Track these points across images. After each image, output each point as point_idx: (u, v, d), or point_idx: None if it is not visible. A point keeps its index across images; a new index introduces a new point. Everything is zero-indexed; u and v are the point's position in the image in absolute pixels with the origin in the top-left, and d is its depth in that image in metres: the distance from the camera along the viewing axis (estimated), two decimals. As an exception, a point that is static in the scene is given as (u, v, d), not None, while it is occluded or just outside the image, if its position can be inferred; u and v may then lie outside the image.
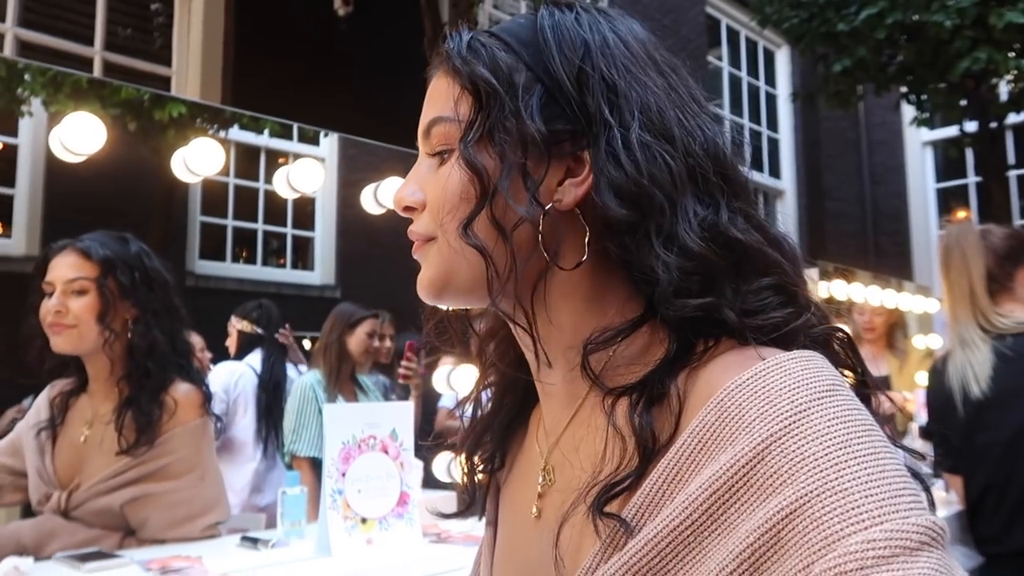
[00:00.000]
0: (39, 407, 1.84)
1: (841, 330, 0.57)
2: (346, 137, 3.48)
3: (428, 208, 0.58)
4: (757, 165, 8.62)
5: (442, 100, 0.58)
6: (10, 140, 3.30)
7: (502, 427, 0.69)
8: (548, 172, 0.55)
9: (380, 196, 2.20)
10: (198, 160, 2.03)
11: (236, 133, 4.02)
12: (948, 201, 8.88)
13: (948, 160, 8.42)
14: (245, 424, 2.98)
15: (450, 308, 0.67)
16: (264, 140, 4.11)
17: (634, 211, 0.53)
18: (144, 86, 4.26)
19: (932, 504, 0.50)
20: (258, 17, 4.42)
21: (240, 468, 2.94)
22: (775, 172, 8.76)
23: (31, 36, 3.90)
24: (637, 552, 0.47)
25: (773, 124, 8.82)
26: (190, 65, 4.24)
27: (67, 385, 1.83)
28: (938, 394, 2.12)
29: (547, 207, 0.55)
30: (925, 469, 2.45)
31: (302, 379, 2.88)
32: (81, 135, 1.86)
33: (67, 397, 1.83)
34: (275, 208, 4.54)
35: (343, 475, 1.46)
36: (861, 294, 3.99)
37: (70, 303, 1.71)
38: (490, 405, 0.70)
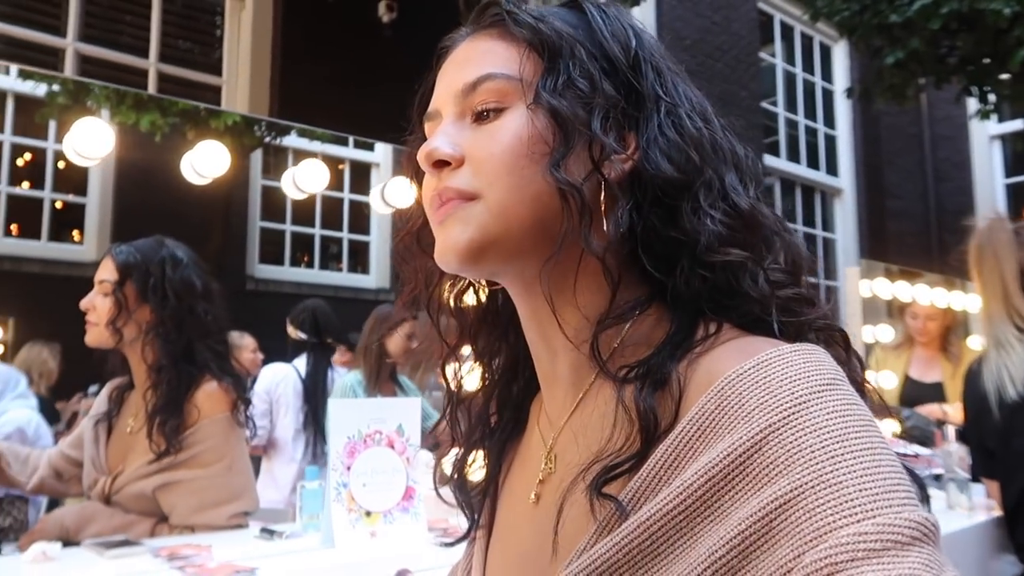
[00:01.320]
0: (100, 400, 1.97)
1: (841, 330, 0.58)
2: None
3: (473, 163, 0.57)
4: (814, 163, 8.40)
5: (494, 58, 0.58)
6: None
7: (501, 438, 0.69)
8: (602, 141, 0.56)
9: (388, 196, 2.23)
10: (204, 162, 2.11)
11: (292, 140, 4.15)
12: (1019, 197, 8.49)
13: (1018, 154, 8.04)
14: (287, 424, 3.09)
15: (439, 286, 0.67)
16: (319, 146, 4.23)
17: (685, 174, 0.55)
18: (197, 96, 4.43)
19: (926, 501, 0.50)
20: (305, 27, 4.54)
21: (285, 466, 3.05)
22: (832, 170, 8.52)
23: (91, 50, 4.10)
24: (629, 534, 0.48)
25: (830, 120, 8.57)
26: (240, 75, 4.39)
27: (122, 380, 1.95)
28: (973, 397, 2.05)
29: (608, 174, 0.56)
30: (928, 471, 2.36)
31: (344, 379, 2.94)
32: (94, 141, 1.97)
33: (122, 391, 1.96)
34: (332, 213, 4.66)
35: (348, 469, 1.50)
36: (926, 296, 3.81)
37: (96, 302, 1.82)
38: (482, 408, 0.70)
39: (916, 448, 2.69)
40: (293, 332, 3.24)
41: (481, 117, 0.58)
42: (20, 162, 3.96)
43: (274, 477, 3.04)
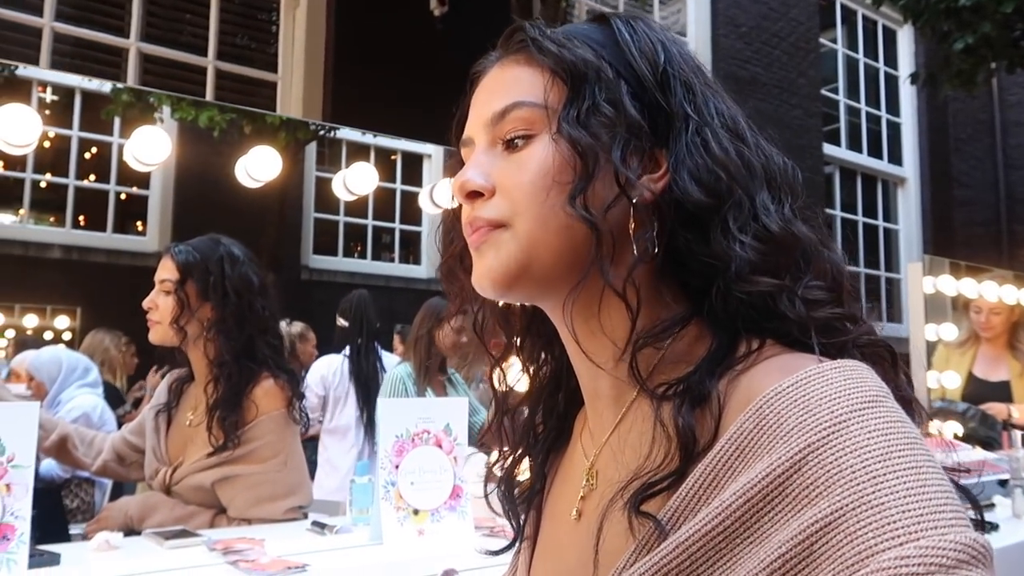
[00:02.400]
0: (161, 391, 2.04)
1: (888, 346, 0.56)
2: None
3: (502, 193, 0.57)
4: (876, 151, 8.15)
5: (521, 86, 0.59)
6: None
7: (544, 447, 0.70)
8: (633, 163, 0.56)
9: (436, 197, 2.25)
10: (258, 166, 2.16)
11: (345, 132, 4.22)
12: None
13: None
14: (346, 411, 3.16)
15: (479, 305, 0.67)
16: (372, 139, 4.28)
17: (714, 198, 0.55)
18: (253, 92, 4.52)
19: (983, 524, 0.48)
20: (358, 23, 4.59)
21: (345, 453, 3.12)
22: (895, 159, 8.25)
23: (152, 49, 4.21)
24: (668, 554, 0.47)
25: (894, 107, 8.30)
26: (295, 70, 4.46)
27: (182, 372, 2.02)
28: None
29: (634, 198, 0.55)
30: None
31: (394, 371, 2.98)
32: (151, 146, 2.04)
33: (182, 383, 2.02)
34: (384, 204, 4.72)
35: (396, 467, 1.52)
36: (994, 292, 3.62)
37: (158, 301, 1.87)
38: (528, 417, 0.70)
39: (980, 452, 2.60)
40: (339, 321, 3.30)
41: (511, 146, 0.58)
42: (87, 156, 4.11)
43: (333, 465, 3.12)
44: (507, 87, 0.59)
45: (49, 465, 2.75)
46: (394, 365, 3.04)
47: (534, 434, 0.71)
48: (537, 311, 0.68)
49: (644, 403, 0.57)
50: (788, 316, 0.54)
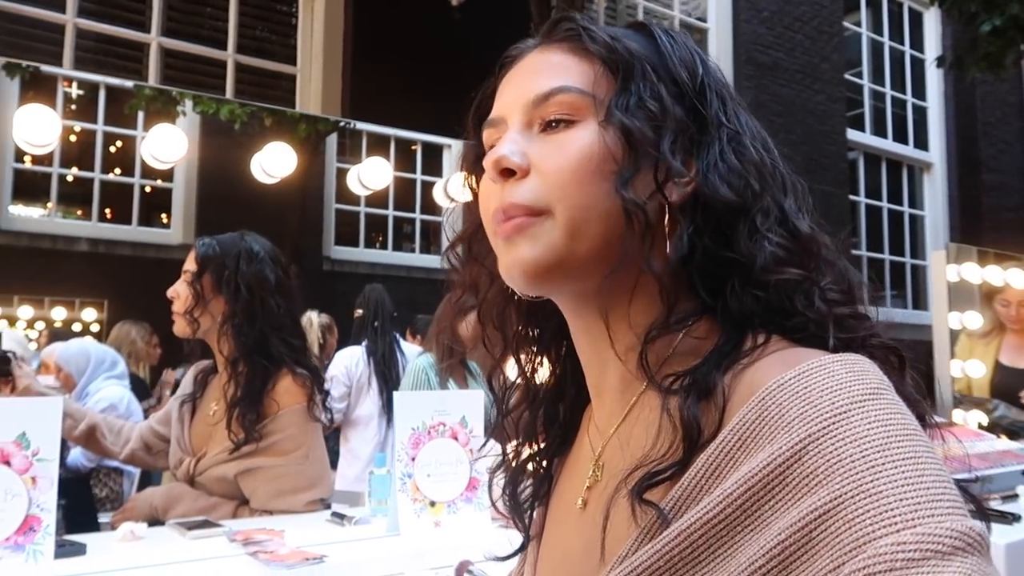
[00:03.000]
0: (186, 382, 2.07)
1: (897, 350, 0.57)
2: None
3: (540, 175, 0.57)
4: (901, 136, 8.02)
5: (567, 72, 0.59)
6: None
7: (549, 453, 0.70)
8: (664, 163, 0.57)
9: (450, 190, 2.25)
10: (273, 163, 2.17)
11: (365, 123, 4.24)
12: None
13: None
14: (367, 401, 3.20)
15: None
16: (392, 129, 4.30)
17: (743, 199, 0.56)
18: (272, 84, 4.55)
19: (985, 516, 0.49)
20: (376, 13, 4.59)
21: (367, 443, 3.16)
22: (921, 144, 8.12)
23: (173, 44, 4.25)
24: (670, 542, 0.48)
25: (919, 91, 8.16)
26: (313, 62, 4.48)
27: (208, 363, 2.04)
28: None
29: (670, 196, 0.56)
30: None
31: (415, 362, 3.00)
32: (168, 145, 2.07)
33: (206, 374, 2.05)
34: (404, 194, 4.74)
35: (412, 460, 1.54)
36: (1021, 280, 3.57)
37: (179, 290, 1.90)
38: (530, 425, 0.70)
39: (1004, 442, 2.57)
40: (357, 315, 3.34)
41: (550, 128, 0.58)
42: (112, 150, 4.17)
43: (355, 454, 3.16)
44: (553, 71, 0.59)
45: (75, 455, 2.82)
46: (416, 356, 3.06)
47: (536, 440, 0.71)
48: (539, 309, 0.69)
49: (651, 396, 0.57)
50: (804, 312, 0.55)
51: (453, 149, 4.34)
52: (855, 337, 0.56)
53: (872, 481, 0.42)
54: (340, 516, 1.74)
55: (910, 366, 0.57)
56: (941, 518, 0.41)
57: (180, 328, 1.93)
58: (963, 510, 0.42)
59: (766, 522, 0.45)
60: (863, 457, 0.43)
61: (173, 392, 2.52)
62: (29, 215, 4.14)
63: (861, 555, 0.40)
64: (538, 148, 0.58)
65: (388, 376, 3.21)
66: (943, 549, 0.40)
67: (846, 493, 0.42)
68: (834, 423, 0.45)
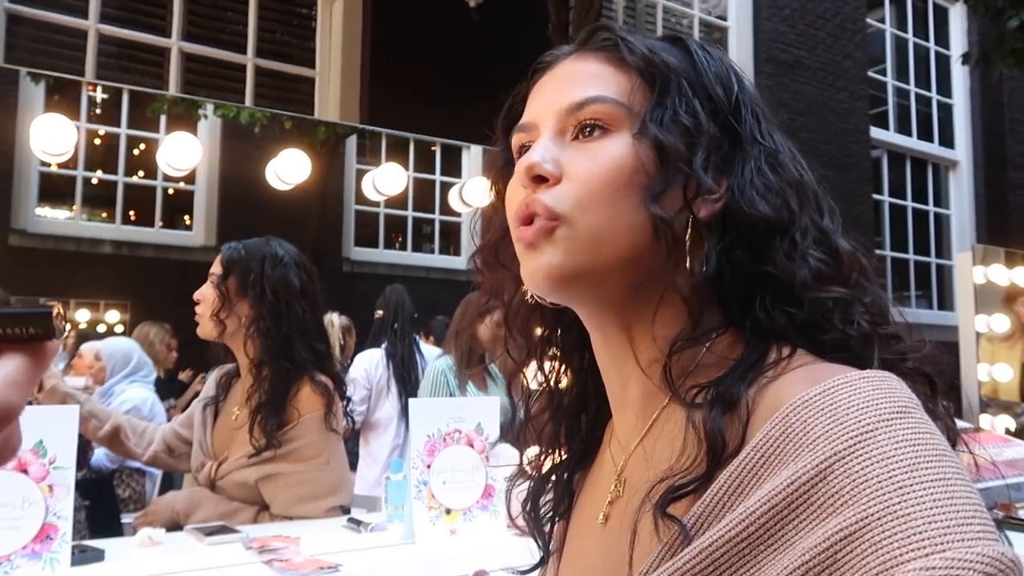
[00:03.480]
0: (209, 384, 2.08)
1: (930, 376, 0.56)
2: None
3: (570, 183, 0.56)
4: (926, 134, 7.90)
5: (603, 82, 0.58)
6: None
7: (570, 466, 0.70)
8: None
9: (466, 195, 2.25)
10: (287, 169, 2.18)
11: (384, 128, 4.25)
12: None
13: None
14: (386, 404, 3.20)
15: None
16: (412, 133, 4.31)
17: (781, 216, 0.56)
18: (292, 88, 4.57)
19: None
20: (394, 15, 4.60)
21: (386, 446, 3.16)
22: (947, 141, 7.99)
23: (193, 48, 4.29)
24: (691, 559, 0.47)
25: (945, 88, 8.03)
26: (331, 66, 4.50)
27: (231, 367, 2.05)
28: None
29: (698, 213, 0.56)
30: None
31: (435, 364, 3.00)
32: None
33: (229, 378, 2.06)
34: (424, 195, 4.75)
35: (428, 467, 1.53)
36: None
37: (205, 293, 1.92)
38: (552, 432, 0.70)
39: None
40: (377, 316, 3.34)
41: (582, 136, 0.58)
42: (136, 152, 4.22)
43: (375, 458, 3.16)
44: (588, 80, 0.59)
45: (98, 456, 2.84)
46: (435, 358, 3.05)
47: (559, 453, 0.71)
48: (562, 318, 0.68)
49: (674, 410, 0.57)
50: (844, 330, 0.55)
51: (472, 151, 4.33)
52: (897, 359, 0.55)
53: (900, 502, 0.41)
54: (357, 522, 1.74)
55: (941, 388, 0.56)
56: (972, 542, 0.39)
57: (205, 330, 1.94)
58: (994, 533, 0.41)
59: (790, 542, 0.44)
60: (890, 477, 0.42)
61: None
62: (55, 217, 4.19)
63: None
64: (570, 156, 0.57)
65: (407, 379, 3.20)
66: None
67: (873, 514, 0.41)
68: (860, 442, 0.43)
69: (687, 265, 0.56)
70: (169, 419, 2.82)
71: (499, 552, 1.44)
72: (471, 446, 1.57)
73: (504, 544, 1.53)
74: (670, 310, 0.57)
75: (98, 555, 1.42)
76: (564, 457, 0.70)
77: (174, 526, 1.80)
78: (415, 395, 3.02)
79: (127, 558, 1.45)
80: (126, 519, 2.81)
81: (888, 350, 0.55)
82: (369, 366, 3.19)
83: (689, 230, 0.56)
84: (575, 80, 0.59)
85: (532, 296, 0.65)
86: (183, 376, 3.56)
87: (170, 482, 2.99)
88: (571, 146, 0.58)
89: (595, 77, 0.59)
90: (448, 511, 1.53)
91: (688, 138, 0.56)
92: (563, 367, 0.70)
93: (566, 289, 0.57)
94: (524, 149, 0.61)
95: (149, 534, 1.53)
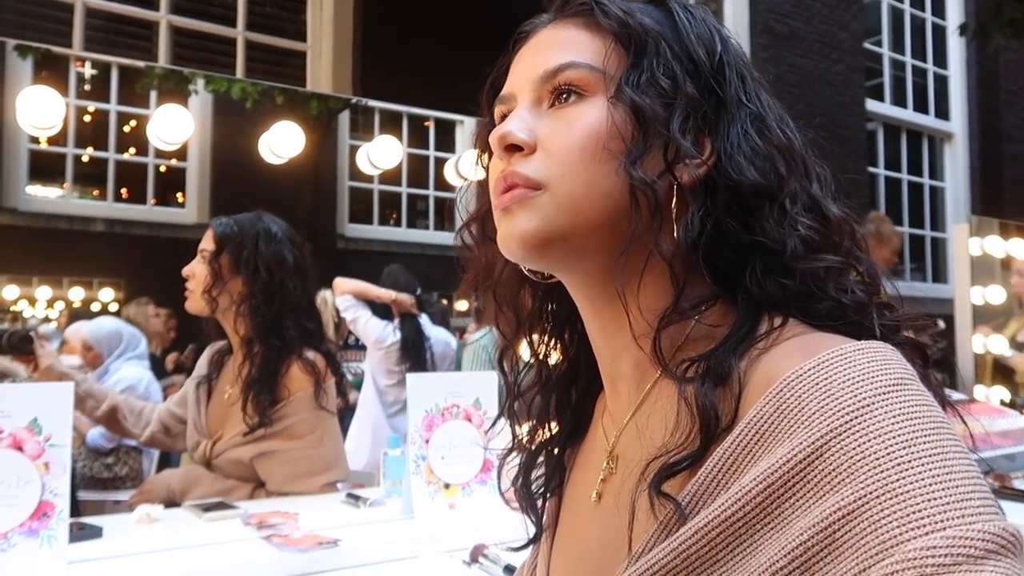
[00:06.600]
0: (201, 363, 2.07)
1: (922, 349, 0.55)
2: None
3: (545, 151, 0.56)
4: (922, 106, 7.86)
5: (578, 47, 0.58)
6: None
7: (561, 441, 0.69)
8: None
9: (461, 168, 2.23)
10: (280, 142, 2.16)
11: (377, 101, 4.20)
12: None
13: None
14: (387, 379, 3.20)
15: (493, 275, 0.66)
16: (405, 107, 4.27)
17: (770, 181, 0.55)
18: (283, 62, 4.52)
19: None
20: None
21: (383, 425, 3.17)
22: (942, 113, 7.96)
23: (182, 22, 4.22)
24: (688, 539, 0.47)
25: (941, 60, 7.97)
26: (323, 40, 4.44)
27: (223, 344, 2.04)
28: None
29: (680, 177, 0.55)
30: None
31: (478, 339, 3.00)
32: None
33: (222, 356, 2.05)
34: (417, 171, 4.71)
35: (426, 442, 1.53)
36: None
37: (196, 269, 1.90)
38: (541, 411, 0.69)
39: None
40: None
41: (559, 103, 0.57)
42: (126, 129, 4.17)
43: (378, 435, 3.17)
44: (563, 46, 0.58)
45: (93, 435, 2.84)
46: (480, 335, 3.06)
47: (549, 427, 0.70)
48: (552, 291, 0.67)
49: (665, 384, 0.56)
50: (839, 298, 0.54)
51: (466, 125, 4.29)
52: (893, 326, 0.54)
53: (898, 479, 0.40)
54: (355, 497, 1.74)
55: (933, 357, 0.56)
56: (972, 519, 0.39)
57: (195, 306, 1.93)
58: (994, 508, 0.40)
59: (787, 521, 0.43)
60: (888, 454, 0.41)
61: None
62: (46, 196, 4.15)
63: (888, 559, 0.38)
64: (546, 125, 0.56)
65: (417, 361, 3.17)
66: (975, 553, 0.38)
67: (871, 492, 0.40)
68: (857, 417, 0.43)
69: (674, 231, 0.54)
70: (166, 397, 2.82)
71: (498, 527, 1.44)
72: (469, 421, 1.57)
73: (503, 519, 1.53)
74: (657, 280, 0.56)
75: (96, 532, 1.42)
76: (554, 431, 0.70)
77: (170, 504, 1.80)
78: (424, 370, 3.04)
79: (126, 535, 1.45)
80: (122, 496, 2.81)
81: (883, 319, 0.55)
82: (382, 332, 3.14)
83: (675, 198, 0.55)
84: (550, 47, 0.58)
85: (522, 268, 0.64)
86: (168, 363, 3.54)
87: (167, 460, 2.99)
88: (547, 114, 0.57)
89: (570, 43, 0.58)
90: (447, 486, 1.54)
91: (666, 100, 0.55)
92: (553, 340, 0.69)
93: (541, 255, 0.56)
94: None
95: (147, 511, 1.52)
